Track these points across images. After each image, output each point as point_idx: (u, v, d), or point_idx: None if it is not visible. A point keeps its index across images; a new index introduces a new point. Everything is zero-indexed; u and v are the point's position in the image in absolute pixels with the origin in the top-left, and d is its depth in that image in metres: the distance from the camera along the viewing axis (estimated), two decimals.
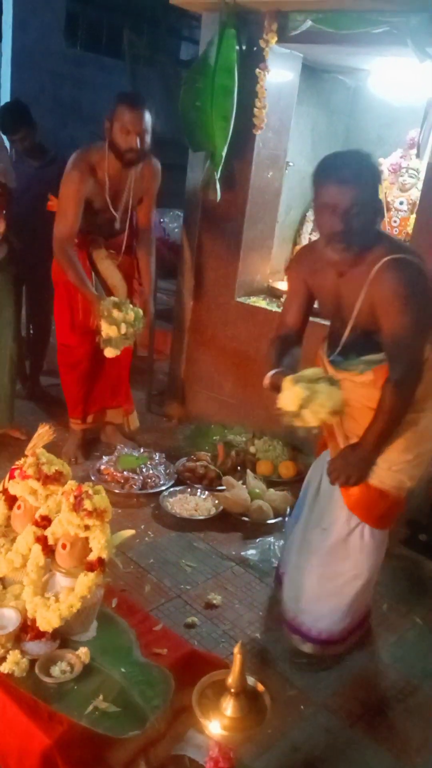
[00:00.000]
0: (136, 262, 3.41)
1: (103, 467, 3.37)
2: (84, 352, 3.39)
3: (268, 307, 3.74)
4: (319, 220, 2.00)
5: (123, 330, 3.00)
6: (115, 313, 3.00)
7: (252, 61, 3.33)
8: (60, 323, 3.41)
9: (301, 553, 2.33)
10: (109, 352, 3.05)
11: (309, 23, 3.11)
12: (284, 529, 2.91)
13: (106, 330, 2.99)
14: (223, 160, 3.46)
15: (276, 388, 1.99)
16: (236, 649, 1.46)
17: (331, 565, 2.24)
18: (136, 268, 3.43)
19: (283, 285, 4.02)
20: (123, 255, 3.34)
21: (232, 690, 1.48)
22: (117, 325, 2.99)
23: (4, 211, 3.25)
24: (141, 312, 3.09)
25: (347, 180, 1.90)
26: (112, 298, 3.10)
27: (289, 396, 1.90)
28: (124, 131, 2.97)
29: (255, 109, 3.39)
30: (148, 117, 3.00)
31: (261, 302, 3.81)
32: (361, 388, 2.10)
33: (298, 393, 1.88)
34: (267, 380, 2.07)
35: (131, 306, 3.08)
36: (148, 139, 3.03)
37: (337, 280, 2.10)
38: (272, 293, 3.96)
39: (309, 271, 2.22)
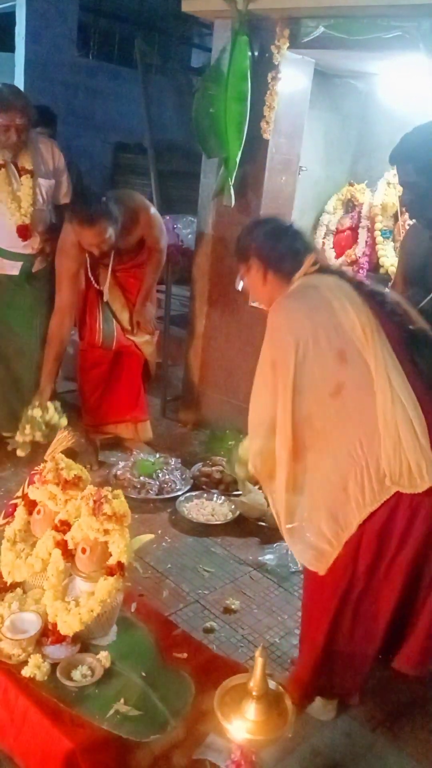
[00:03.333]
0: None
1: (119, 473, 3.38)
2: (97, 356, 3.48)
3: None
4: None
5: (38, 437, 3.20)
6: (27, 429, 3.20)
7: (264, 67, 3.35)
8: (79, 328, 3.54)
9: None
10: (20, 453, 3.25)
11: (321, 29, 3.12)
12: None
13: (20, 437, 3.21)
14: (237, 166, 3.47)
15: None
16: (258, 653, 1.47)
17: None
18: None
19: None
20: (129, 275, 3.41)
21: (254, 693, 1.48)
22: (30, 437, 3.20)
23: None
24: (56, 414, 3.25)
25: (403, 157, 2.16)
26: (33, 412, 3.22)
27: None
28: (85, 244, 3.08)
29: (263, 115, 3.40)
30: (102, 227, 3.01)
31: None
32: None
33: None
34: None
35: (48, 409, 3.24)
36: (110, 241, 3.08)
37: (429, 243, 2.22)
38: None
39: (411, 240, 2.42)
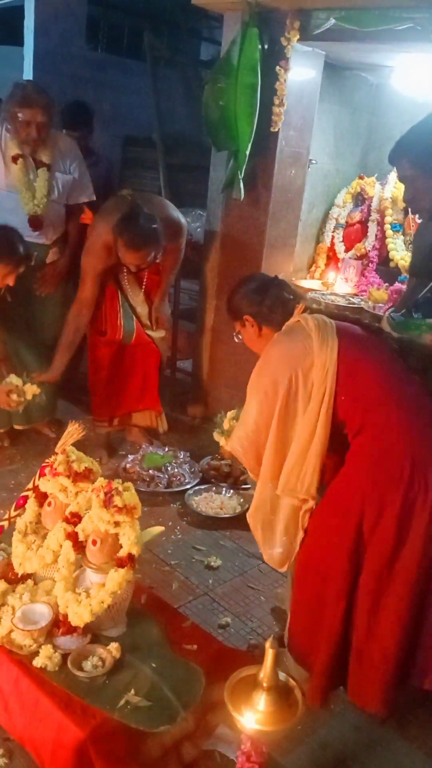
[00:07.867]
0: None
1: (128, 466, 3.39)
2: (109, 351, 3.46)
3: None
4: None
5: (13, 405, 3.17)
6: (15, 396, 3.15)
7: (274, 59, 3.33)
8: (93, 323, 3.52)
9: None
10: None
11: (332, 21, 3.10)
12: None
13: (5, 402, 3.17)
14: (246, 159, 3.46)
15: None
16: (268, 644, 1.47)
17: None
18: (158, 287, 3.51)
19: (306, 283, 4.02)
20: (150, 272, 3.41)
21: (264, 684, 1.48)
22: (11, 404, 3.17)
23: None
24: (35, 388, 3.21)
25: (399, 153, 2.24)
26: (12, 379, 3.18)
27: None
28: (124, 261, 3.12)
29: (273, 107, 3.38)
30: (149, 252, 3.05)
31: None
32: None
33: None
34: None
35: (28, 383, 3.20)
36: (151, 263, 3.17)
37: None
38: None
39: (418, 234, 2.48)
